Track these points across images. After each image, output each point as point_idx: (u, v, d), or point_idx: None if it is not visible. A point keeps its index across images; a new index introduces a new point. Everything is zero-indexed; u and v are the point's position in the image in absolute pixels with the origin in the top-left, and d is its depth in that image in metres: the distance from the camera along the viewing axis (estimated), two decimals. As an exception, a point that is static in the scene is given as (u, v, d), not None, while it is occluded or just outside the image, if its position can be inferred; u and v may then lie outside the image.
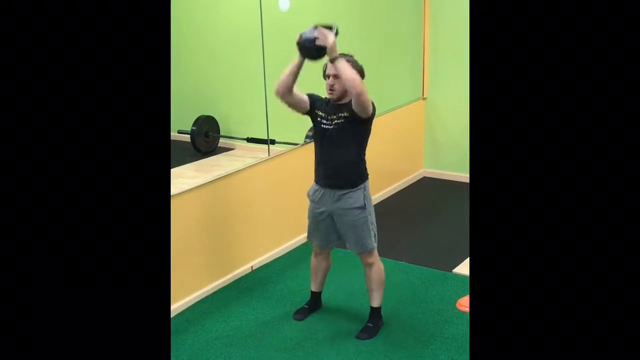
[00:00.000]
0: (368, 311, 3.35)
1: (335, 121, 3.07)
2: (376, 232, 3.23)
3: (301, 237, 4.21)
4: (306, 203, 3.32)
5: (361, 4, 4.96)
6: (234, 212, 3.89)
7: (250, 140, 4.56)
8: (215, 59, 4.95)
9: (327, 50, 2.92)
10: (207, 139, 4.77)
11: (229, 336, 3.32)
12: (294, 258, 4.19)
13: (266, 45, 3.96)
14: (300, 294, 3.68)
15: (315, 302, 3.54)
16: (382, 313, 3.35)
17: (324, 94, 3.14)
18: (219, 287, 3.81)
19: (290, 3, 4.25)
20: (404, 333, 3.29)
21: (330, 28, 2.93)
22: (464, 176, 5.48)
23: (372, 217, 3.20)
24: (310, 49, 2.95)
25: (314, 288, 3.52)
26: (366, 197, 3.15)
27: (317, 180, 3.22)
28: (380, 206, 4.97)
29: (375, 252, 3.24)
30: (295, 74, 3.04)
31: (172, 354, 3.12)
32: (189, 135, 4.69)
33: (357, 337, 3.25)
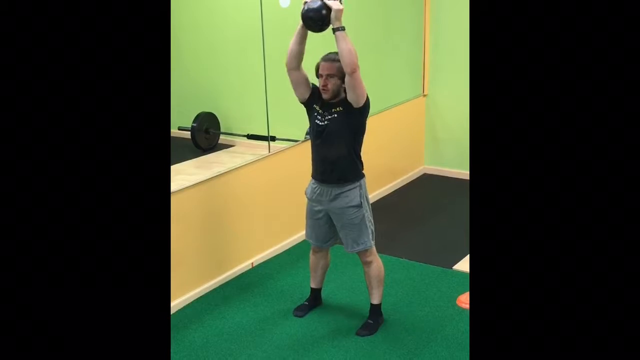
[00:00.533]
0: (368, 308, 3.35)
1: (329, 117, 3.07)
2: (374, 230, 3.23)
3: (302, 234, 4.20)
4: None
5: (362, 1, 4.95)
6: (234, 208, 3.89)
7: (251, 137, 4.56)
8: (215, 55, 4.95)
9: (332, 17, 2.88)
10: (207, 135, 4.77)
11: (229, 333, 3.33)
12: (295, 255, 4.20)
13: (267, 42, 3.96)
14: (300, 290, 3.69)
15: (315, 299, 3.54)
16: (383, 310, 3.36)
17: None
18: (219, 283, 3.81)
19: (291, -1, 4.24)
20: (404, 330, 3.30)
21: None
22: (464, 173, 5.47)
23: (370, 215, 3.20)
24: (315, 19, 2.90)
25: (313, 285, 3.53)
26: (362, 195, 3.15)
27: (314, 176, 3.22)
28: (381, 203, 4.97)
29: (374, 249, 3.25)
30: (300, 43, 3.00)
31: (172, 351, 3.12)
32: (189, 132, 4.70)
33: (358, 334, 3.26)
